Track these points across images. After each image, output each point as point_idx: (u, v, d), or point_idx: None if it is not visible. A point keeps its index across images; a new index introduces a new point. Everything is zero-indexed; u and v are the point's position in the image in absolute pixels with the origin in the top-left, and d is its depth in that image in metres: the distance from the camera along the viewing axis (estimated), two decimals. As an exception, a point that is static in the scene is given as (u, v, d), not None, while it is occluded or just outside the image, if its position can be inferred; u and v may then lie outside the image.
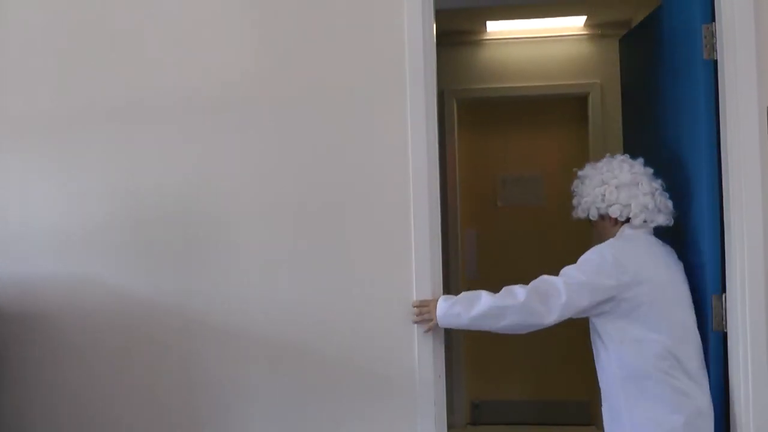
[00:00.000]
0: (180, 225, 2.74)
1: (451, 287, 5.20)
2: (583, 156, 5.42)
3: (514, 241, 5.65)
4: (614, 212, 2.60)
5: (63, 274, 2.77)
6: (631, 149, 3.51)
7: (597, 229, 2.73)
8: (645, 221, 2.59)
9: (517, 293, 2.44)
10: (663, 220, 2.60)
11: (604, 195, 2.61)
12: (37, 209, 2.79)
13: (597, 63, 5.24)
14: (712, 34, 2.58)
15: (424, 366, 2.62)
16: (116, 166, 2.76)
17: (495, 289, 2.50)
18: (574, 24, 5.14)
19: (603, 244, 2.56)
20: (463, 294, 2.53)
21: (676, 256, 2.64)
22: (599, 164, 2.69)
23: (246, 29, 2.72)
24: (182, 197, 2.73)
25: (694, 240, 2.72)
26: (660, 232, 2.65)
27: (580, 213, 2.71)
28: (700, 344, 2.51)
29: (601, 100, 5.21)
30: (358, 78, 2.67)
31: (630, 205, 2.58)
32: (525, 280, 2.46)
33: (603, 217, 2.66)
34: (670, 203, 2.63)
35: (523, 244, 5.61)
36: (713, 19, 2.58)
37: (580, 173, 2.74)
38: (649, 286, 2.44)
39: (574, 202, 2.75)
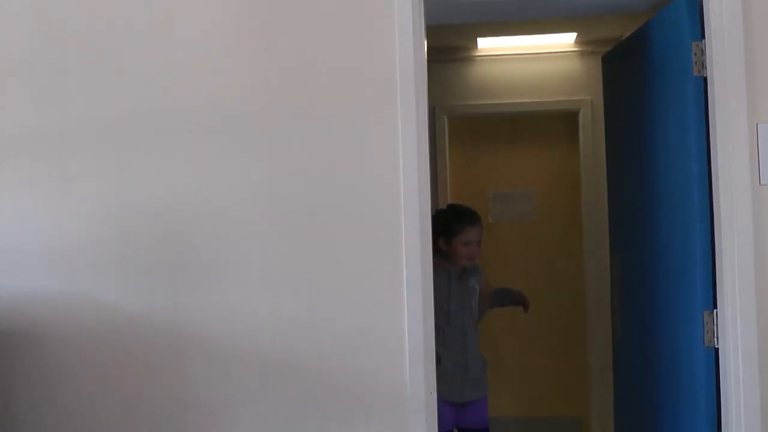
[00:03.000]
0: (171, 242, 2.72)
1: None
2: (575, 171, 5.43)
3: (506, 256, 5.65)
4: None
5: (53, 291, 2.75)
6: (615, 166, 3.53)
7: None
8: None
9: None
10: None
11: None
12: (27, 226, 2.77)
13: (587, 80, 5.25)
14: (702, 51, 2.59)
15: (414, 381, 2.60)
16: (108, 182, 2.75)
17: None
18: (565, 41, 5.16)
19: None
20: None
21: None
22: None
23: (238, 48, 2.73)
24: (174, 214, 2.72)
25: (684, 256, 2.72)
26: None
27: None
28: None
29: (592, 117, 5.22)
30: (350, 95, 2.67)
31: None
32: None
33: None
34: None
35: (514, 259, 5.61)
36: (703, 36, 2.59)
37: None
38: None
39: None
